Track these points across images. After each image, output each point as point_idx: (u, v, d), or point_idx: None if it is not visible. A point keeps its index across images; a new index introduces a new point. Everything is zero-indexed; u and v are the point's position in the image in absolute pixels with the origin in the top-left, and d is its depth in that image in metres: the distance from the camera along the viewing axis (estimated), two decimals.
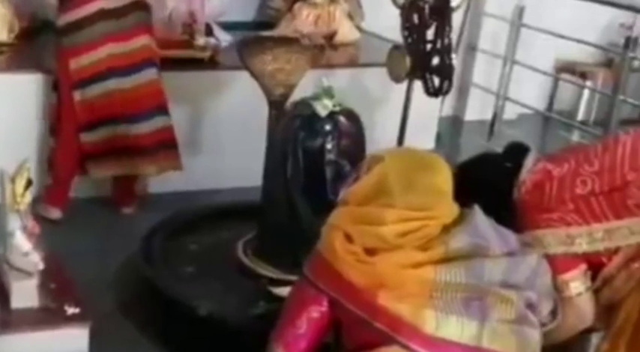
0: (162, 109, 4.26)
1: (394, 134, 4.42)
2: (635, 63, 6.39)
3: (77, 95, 4.04)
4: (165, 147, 4.30)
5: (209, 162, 4.68)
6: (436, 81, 4.07)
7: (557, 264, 2.45)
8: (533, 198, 2.53)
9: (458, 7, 4.09)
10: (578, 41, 6.01)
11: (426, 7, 4.02)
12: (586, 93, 6.62)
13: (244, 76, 4.62)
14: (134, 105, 4.14)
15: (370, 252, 2.29)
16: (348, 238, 2.32)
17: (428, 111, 5.01)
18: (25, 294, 3.05)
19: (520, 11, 5.89)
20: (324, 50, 3.75)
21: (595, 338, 2.69)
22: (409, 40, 4.10)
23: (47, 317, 3.06)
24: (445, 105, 5.85)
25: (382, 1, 5.27)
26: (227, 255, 3.65)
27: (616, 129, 5.53)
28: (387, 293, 2.23)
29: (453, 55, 4.06)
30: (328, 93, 3.44)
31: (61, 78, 4.08)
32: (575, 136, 6.54)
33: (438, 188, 2.33)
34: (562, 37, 5.86)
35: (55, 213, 4.13)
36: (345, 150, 3.40)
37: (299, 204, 3.43)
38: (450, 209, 2.33)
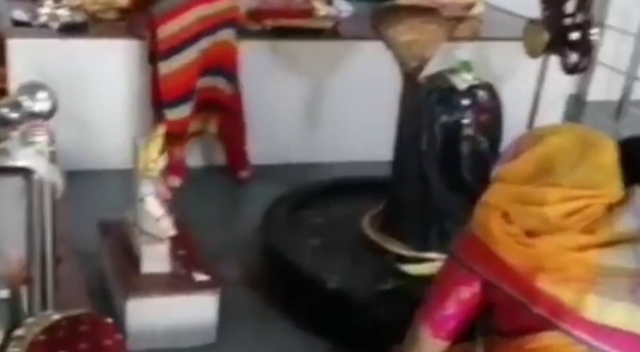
0: (224, 71, 4.18)
1: (522, 111, 4.34)
2: None
3: (164, 67, 4.01)
4: (206, 108, 4.24)
5: (327, 135, 4.71)
6: (574, 57, 3.98)
7: None
8: None
9: None
10: None
11: None
12: None
13: (366, 46, 4.68)
14: (204, 67, 4.10)
15: (530, 233, 2.25)
16: (506, 218, 2.27)
17: (556, 89, 4.89)
18: (155, 259, 3.13)
19: None
20: (461, 22, 3.68)
21: None
22: (547, 12, 4.00)
23: (177, 282, 3.14)
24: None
25: None
26: (353, 229, 3.65)
27: None
28: (548, 276, 2.18)
29: (594, 30, 3.95)
30: (467, 66, 3.39)
31: (153, 49, 4.07)
32: None
33: (605, 165, 2.27)
34: None
35: (175, 181, 4.18)
36: (483, 126, 3.36)
37: (432, 180, 3.41)
38: (617, 188, 2.26)
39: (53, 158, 2.29)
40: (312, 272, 3.33)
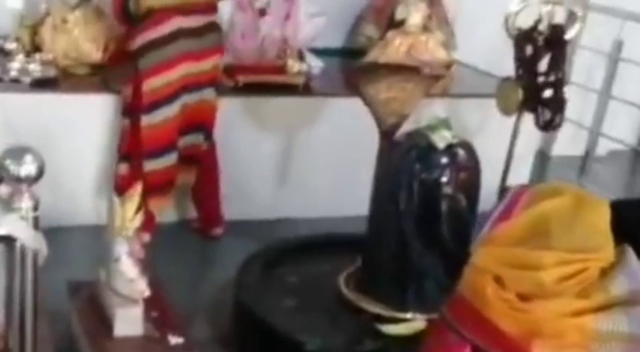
0: (204, 128, 4.11)
1: (493, 168, 4.28)
2: None
3: (145, 120, 3.91)
4: (185, 162, 4.12)
5: (299, 191, 4.61)
6: (547, 114, 3.95)
7: None
8: None
9: (572, 39, 3.97)
10: None
11: (540, 38, 3.91)
12: None
13: (338, 103, 4.64)
14: (185, 124, 4.02)
15: (523, 297, 2.17)
16: (499, 282, 2.19)
17: (525, 145, 4.85)
18: (129, 322, 2.98)
19: (619, 45, 5.72)
20: (439, 80, 3.64)
21: None
22: (520, 71, 3.98)
23: (151, 346, 2.98)
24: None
25: (473, 32, 5.24)
26: (328, 288, 3.53)
27: None
28: (544, 343, 2.10)
29: (566, 88, 3.94)
30: (445, 124, 3.33)
31: (135, 102, 3.95)
32: None
33: (599, 229, 2.20)
34: None
35: (144, 237, 4.04)
36: (462, 185, 3.29)
37: (410, 238, 3.31)
38: (611, 250, 2.20)
39: (37, 224, 2.17)
40: (289, 333, 3.19)
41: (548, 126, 3.99)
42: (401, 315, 3.34)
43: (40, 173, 2.35)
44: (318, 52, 5.05)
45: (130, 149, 4.02)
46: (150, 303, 3.04)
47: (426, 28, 5.26)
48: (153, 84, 3.87)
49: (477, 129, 4.89)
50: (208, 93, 4.06)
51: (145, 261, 3.04)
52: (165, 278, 3.42)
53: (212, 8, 4.03)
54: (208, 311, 3.69)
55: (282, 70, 4.63)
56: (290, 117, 4.61)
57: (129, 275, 2.94)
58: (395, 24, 5.17)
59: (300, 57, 4.83)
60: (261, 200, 4.49)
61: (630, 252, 2.24)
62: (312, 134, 4.61)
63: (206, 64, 4.00)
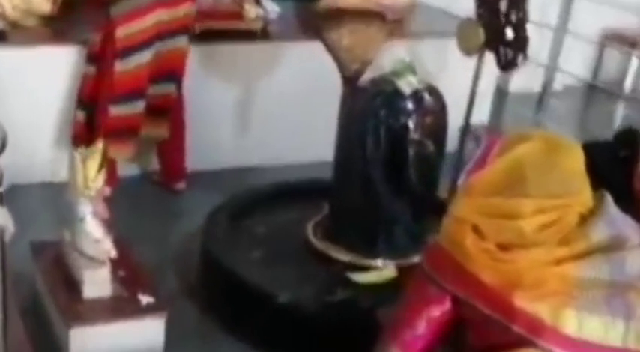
0: (175, 77, 4.02)
1: (455, 107, 4.21)
2: None
3: (119, 65, 3.81)
4: (159, 114, 4.04)
5: (261, 138, 4.50)
6: (509, 54, 3.87)
7: None
8: None
9: None
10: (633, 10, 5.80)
11: None
12: (634, 62, 6.40)
13: (297, 48, 4.51)
14: (160, 70, 3.92)
15: (503, 247, 2.12)
16: (478, 233, 2.13)
17: (486, 83, 4.77)
18: (97, 283, 2.91)
19: None
20: (401, 23, 3.53)
21: None
22: (481, 11, 3.88)
23: (121, 307, 2.91)
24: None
25: None
26: (296, 237, 3.46)
27: None
28: (525, 293, 2.06)
29: (528, 27, 3.85)
30: (410, 68, 3.24)
31: (105, 48, 3.84)
32: (622, 107, 6.37)
33: (576, 172, 2.16)
34: (617, 6, 5.64)
35: (106, 191, 3.92)
36: (429, 129, 3.21)
37: (378, 185, 3.24)
38: (588, 195, 2.15)
39: (1, 200, 2.06)
40: (260, 286, 3.12)
41: (510, 66, 3.90)
42: (371, 263, 3.29)
43: (3, 146, 2.22)
44: None
45: (92, 96, 3.90)
46: (117, 263, 2.95)
47: None
48: (127, 30, 3.78)
49: (436, 69, 4.80)
50: (180, 41, 3.96)
51: (109, 219, 2.95)
52: (129, 233, 3.33)
53: None
54: (176, 265, 3.61)
55: (239, 15, 4.47)
56: (249, 64, 4.47)
57: (94, 235, 2.84)
58: None
59: (257, 1, 4.68)
60: (223, 149, 4.38)
61: (608, 198, 2.20)
62: (273, 80, 4.48)
63: (179, 11, 3.90)
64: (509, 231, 2.10)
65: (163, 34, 3.87)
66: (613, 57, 6.51)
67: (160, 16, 3.83)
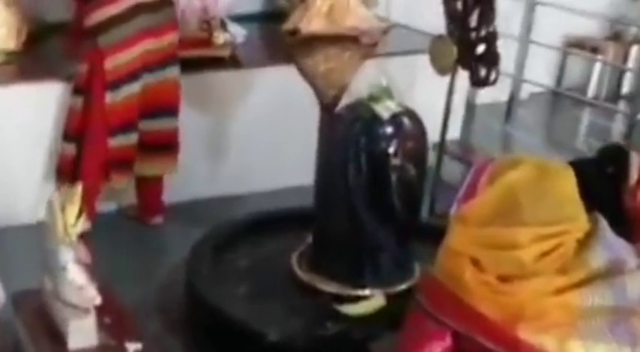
0: (175, 110, 3.96)
1: (428, 124, 4.17)
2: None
3: (110, 97, 3.73)
4: (166, 149, 3.99)
5: (236, 167, 4.38)
6: (482, 70, 3.83)
7: None
8: None
9: None
10: (598, 16, 5.82)
11: None
12: (597, 68, 6.41)
13: (268, 73, 4.42)
14: (153, 104, 3.86)
15: (503, 279, 2.05)
16: (477, 265, 2.07)
17: (458, 97, 4.72)
18: (83, 333, 2.77)
19: None
20: (376, 46, 3.47)
21: None
22: (451, 27, 3.84)
23: None
24: None
25: None
26: (281, 270, 3.35)
27: None
28: (529, 324, 1.99)
29: (499, 42, 3.82)
30: (387, 93, 3.17)
31: (92, 80, 3.73)
32: (587, 113, 6.38)
33: (569, 196, 2.10)
34: (578, 12, 5.63)
35: (86, 226, 3.81)
36: (409, 154, 3.14)
37: (362, 213, 3.15)
38: (584, 219, 2.10)
39: None
40: (248, 323, 3.02)
41: (485, 83, 3.86)
42: (359, 292, 3.20)
43: None
44: (238, 19, 4.83)
45: (79, 129, 3.80)
46: (102, 309, 2.83)
47: None
48: (115, 61, 3.70)
49: (405, 86, 4.76)
50: (171, 72, 3.88)
51: (92, 264, 2.84)
52: (109, 272, 3.21)
53: None
54: (159, 303, 3.47)
55: (207, 42, 4.36)
56: (221, 92, 4.35)
57: (77, 283, 2.71)
58: None
59: (223, 26, 4.59)
60: (198, 180, 4.25)
61: (602, 221, 2.15)
62: (245, 107, 4.36)
63: (164, 41, 3.83)
64: (509, 262, 2.03)
65: (150, 64, 3.80)
66: (576, 63, 6.51)
67: (146, 46, 3.76)
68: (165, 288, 3.57)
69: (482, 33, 3.80)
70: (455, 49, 3.75)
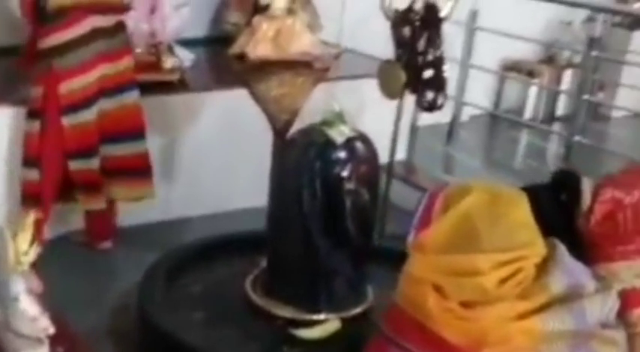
0: (140, 134, 3.92)
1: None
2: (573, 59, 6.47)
3: (66, 121, 3.66)
4: (140, 173, 3.94)
5: (186, 190, 4.31)
6: (429, 95, 3.83)
7: (632, 298, 2.25)
8: (604, 229, 2.31)
9: (448, 17, 3.85)
10: (534, 41, 5.90)
11: (416, 18, 3.77)
12: (533, 91, 6.50)
13: (217, 97, 4.37)
14: (115, 129, 3.81)
15: (466, 305, 2.04)
16: (440, 292, 2.05)
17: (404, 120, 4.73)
18: None
19: (474, 15, 5.69)
20: (328, 71, 3.44)
21: None
22: (400, 52, 3.83)
23: None
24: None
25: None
26: (235, 294, 3.29)
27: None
28: (492, 350, 1.99)
29: (446, 66, 3.83)
30: (340, 118, 3.14)
31: (47, 104, 3.64)
32: (524, 134, 6.46)
33: (523, 221, 2.10)
34: (515, 37, 5.71)
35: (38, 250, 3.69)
36: (363, 178, 3.10)
37: (317, 238, 3.11)
38: (541, 244, 2.11)
39: None
40: (205, 350, 2.94)
41: (432, 107, 3.86)
42: (314, 317, 3.15)
43: None
44: (185, 44, 4.77)
45: (38, 153, 3.70)
46: (55, 339, 2.73)
47: (290, 11, 5.03)
48: (71, 85, 3.63)
49: (353, 110, 4.74)
50: (130, 97, 3.83)
51: (43, 293, 2.74)
52: (60, 300, 3.11)
53: (123, 7, 3.79)
54: (112, 330, 3.37)
55: (155, 66, 4.29)
56: (170, 115, 4.28)
57: (30, 313, 2.60)
58: (260, 9, 4.93)
59: (170, 51, 4.53)
60: (147, 203, 4.17)
61: (560, 246, 2.16)
62: (194, 130, 4.31)
63: (120, 65, 3.77)
64: (471, 288, 2.02)
65: (107, 89, 3.74)
66: (513, 86, 6.60)
67: (102, 70, 3.71)
68: (117, 314, 3.47)
69: (430, 58, 3.80)
70: (403, 74, 3.74)
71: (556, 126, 6.45)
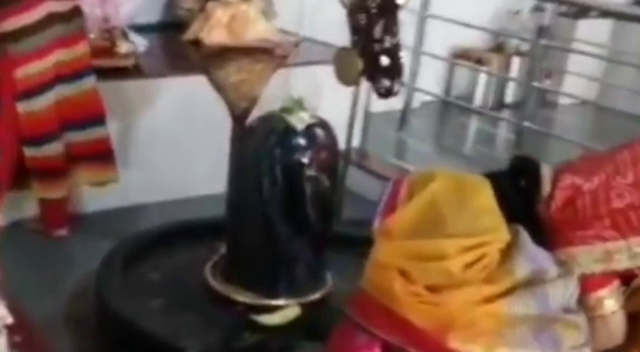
0: (101, 119, 3.85)
1: None
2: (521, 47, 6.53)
3: (21, 107, 3.57)
4: (102, 158, 3.88)
5: (141, 176, 4.22)
6: (386, 82, 3.80)
7: (591, 282, 2.25)
8: (564, 215, 2.30)
9: (404, 4, 3.82)
10: (483, 29, 5.93)
11: (373, 6, 3.73)
12: (482, 78, 6.54)
13: (172, 83, 4.30)
14: (75, 115, 3.74)
15: (432, 290, 2.02)
16: (405, 276, 2.02)
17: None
18: None
19: (425, 3, 5.68)
20: (286, 58, 3.40)
21: None
22: (356, 38, 3.80)
23: None
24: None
25: None
26: (194, 281, 3.24)
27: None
28: (458, 334, 1.96)
29: (403, 53, 3.81)
30: (300, 104, 3.11)
31: (2, 89, 3.55)
32: (474, 121, 6.50)
33: (488, 209, 2.08)
34: (465, 25, 5.72)
35: None
36: (323, 164, 3.07)
37: (277, 225, 3.07)
38: (505, 230, 2.09)
39: None
40: (165, 338, 2.88)
41: (389, 94, 3.83)
42: (274, 303, 3.12)
43: None
44: (138, 29, 4.67)
45: None
46: (12, 328, 2.65)
47: None
48: (27, 71, 3.55)
49: (309, 96, 4.70)
50: (87, 82, 3.76)
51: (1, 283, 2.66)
52: (16, 289, 3.03)
53: None
54: (70, 319, 3.29)
55: (109, 52, 4.19)
56: (125, 101, 4.19)
57: None
58: None
59: (124, 36, 4.43)
60: (105, 189, 4.08)
61: (523, 233, 2.14)
62: (151, 116, 4.22)
63: (76, 51, 3.70)
64: (437, 272, 1.99)
65: (64, 75, 3.66)
66: (463, 74, 6.63)
67: (59, 56, 3.63)
68: (74, 302, 3.40)
69: (386, 45, 3.77)
70: (360, 61, 3.71)
71: (505, 113, 6.50)
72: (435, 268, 1.99)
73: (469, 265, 2.01)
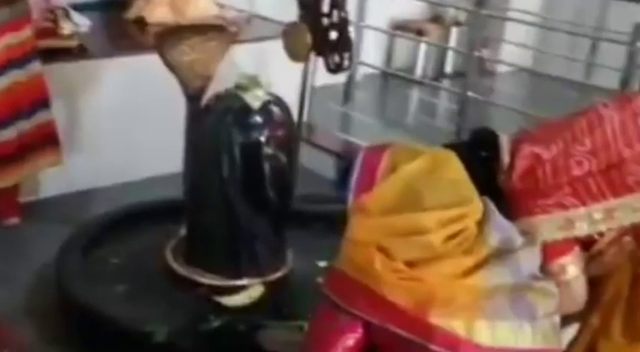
0: (46, 102, 3.70)
1: None
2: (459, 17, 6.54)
3: None
4: (47, 143, 3.73)
5: (92, 160, 4.09)
6: (336, 57, 3.73)
7: (553, 249, 2.25)
8: (525, 184, 2.29)
9: None
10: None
11: None
12: (422, 49, 6.52)
13: (117, 64, 4.15)
14: (24, 101, 3.59)
15: (411, 264, 1.99)
16: (385, 253, 1.99)
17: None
18: None
19: None
20: (238, 35, 3.30)
21: None
22: (303, 13, 3.71)
23: None
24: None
25: None
26: (156, 264, 3.16)
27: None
28: (439, 310, 1.93)
29: (351, 28, 3.74)
30: (255, 82, 3.03)
31: None
32: (416, 92, 6.48)
33: (460, 179, 2.07)
34: None
35: None
36: (280, 142, 3.01)
37: (237, 204, 3.00)
38: (479, 201, 2.08)
39: None
40: (130, 324, 2.80)
41: (338, 69, 3.76)
42: (237, 283, 3.05)
43: None
44: (77, 8, 4.50)
45: None
46: None
47: None
48: None
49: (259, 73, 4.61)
50: (35, 67, 3.61)
51: None
52: None
53: None
54: (31, 310, 3.17)
55: (52, 32, 4.03)
56: (71, 83, 4.03)
57: None
58: None
59: (67, 16, 4.26)
60: (53, 175, 3.95)
61: (489, 203, 2.13)
62: (97, 98, 4.08)
63: (22, 35, 3.55)
64: (419, 246, 1.96)
65: (14, 60, 3.52)
66: (403, 45, 6.60)
67: (9, 40, 3.49)
68: (34, 292, 3.27)
69: (334, 19, 3.69)
70: (309, 36, 3.63)
71: (445, 83, 6.50)
72: (416, 242, 1.97)
73: (450, 237, 1.99)
